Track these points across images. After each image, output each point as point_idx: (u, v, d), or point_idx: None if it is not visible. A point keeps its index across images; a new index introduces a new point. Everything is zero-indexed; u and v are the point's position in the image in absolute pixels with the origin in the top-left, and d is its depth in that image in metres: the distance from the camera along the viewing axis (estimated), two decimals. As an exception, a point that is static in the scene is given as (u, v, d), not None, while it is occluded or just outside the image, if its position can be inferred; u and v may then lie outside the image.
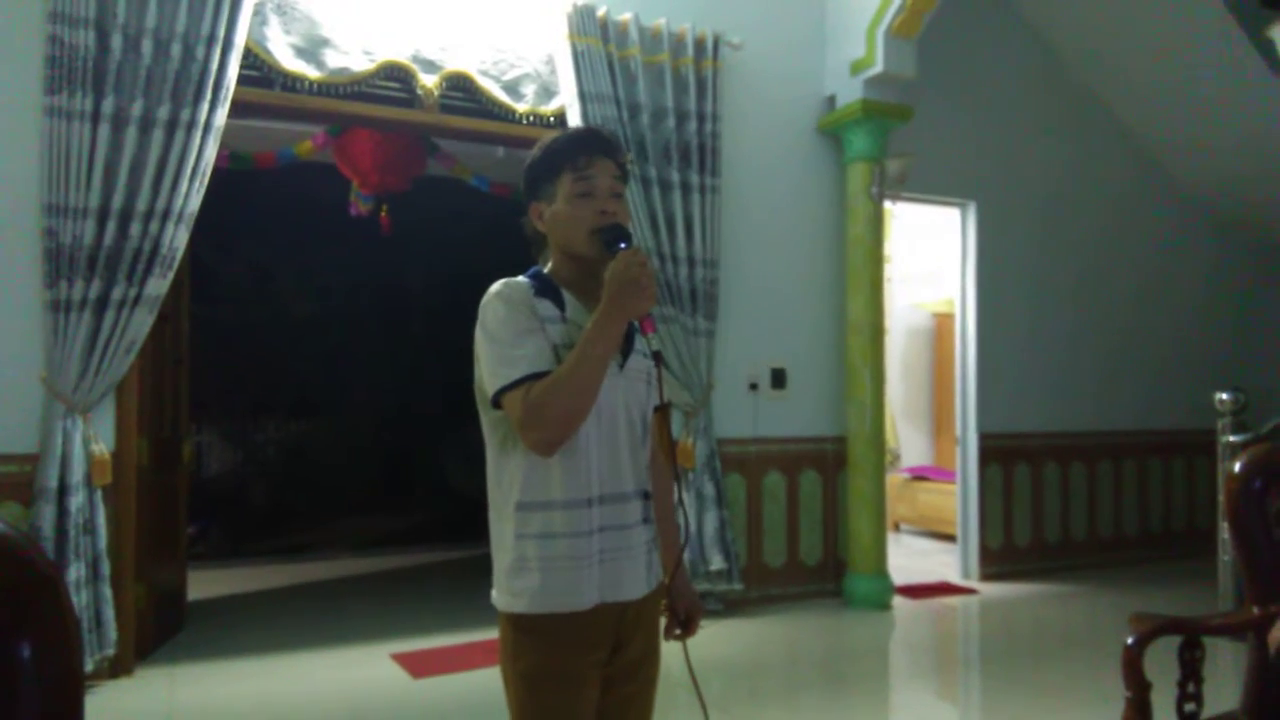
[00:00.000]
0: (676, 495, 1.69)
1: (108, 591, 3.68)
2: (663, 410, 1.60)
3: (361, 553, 7.10)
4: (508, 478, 1.52)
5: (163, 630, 4.37)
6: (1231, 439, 4.43)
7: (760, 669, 4.19)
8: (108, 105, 3.68)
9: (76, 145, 3.64)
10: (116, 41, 3.70)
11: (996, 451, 6.08)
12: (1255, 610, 2.15)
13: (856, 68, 5.22)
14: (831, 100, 5.45)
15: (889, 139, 5.35)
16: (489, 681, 3.70)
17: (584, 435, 1.49)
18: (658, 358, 1.54)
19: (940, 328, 8.22)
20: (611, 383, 1.51)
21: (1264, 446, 2.23)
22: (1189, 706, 1.96)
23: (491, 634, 4.32)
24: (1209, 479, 6.10)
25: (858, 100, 5.20)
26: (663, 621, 1.69)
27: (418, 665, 4.05)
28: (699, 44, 4.97)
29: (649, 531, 1.60)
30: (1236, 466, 2.20)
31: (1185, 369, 6.75)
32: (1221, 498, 3.69)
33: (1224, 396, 4.49)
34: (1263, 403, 5.18)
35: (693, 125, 4.92)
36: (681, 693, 1.66)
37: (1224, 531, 4.36)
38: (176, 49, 3.78)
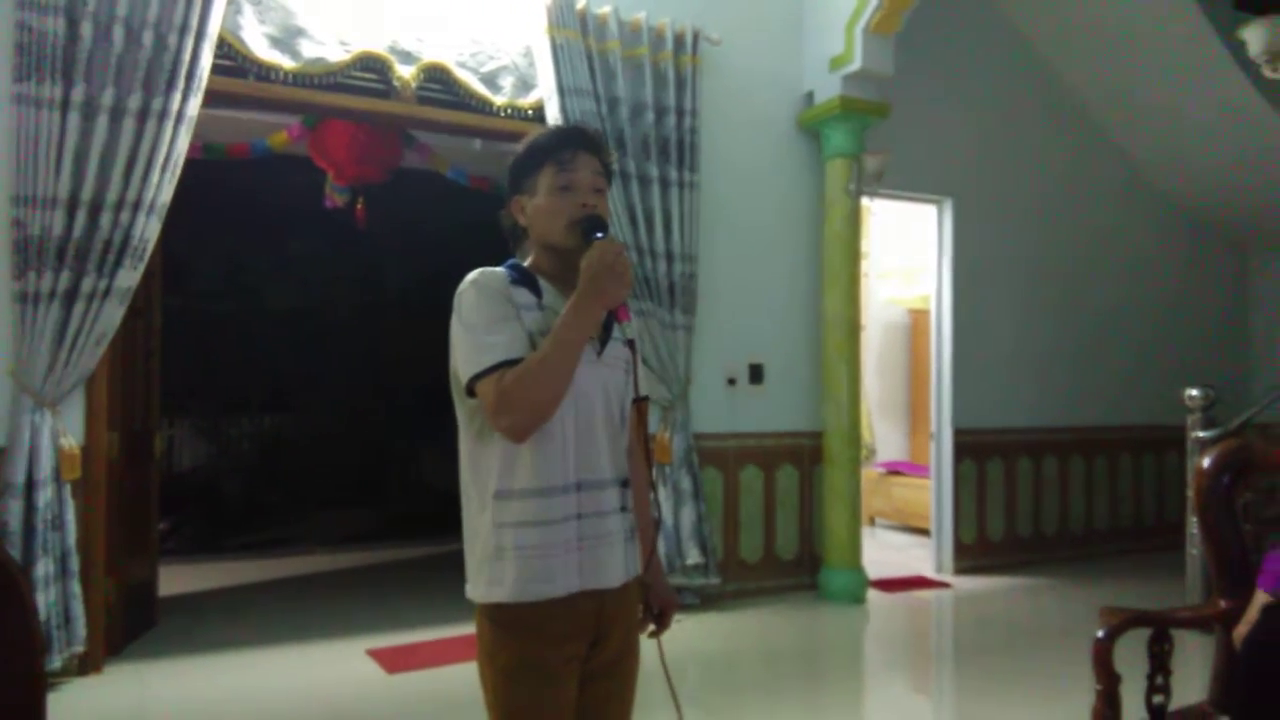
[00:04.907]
0: (650, 489, 1.69)
1: (77, 588, 3.63)
2: (640, 404, 1.60)
3: (336, 548, 7.05)
4: (485, 466, 1.52)
5: (133, 627, 4.32)
6: (1201, 434, 4.49)
7: (736, 662, 4.20)
8: (78, 93, 3.62)
9: (45, 134, 3.58)
10: (87, 29, 3.64)
11: (971, 446, 6.14)
12: (1223, 603, 2.19)
13: (835, 64, 5.23)
14: (810, 96, 5.46)
15: (867, 136, 5.37)
16: (465, 676, 3.69)
17: (560, 422, 1.49)
18: (632, 345, 1.54)
19: (916, 324, 8.28)
20: (589, 370, 1.51)
21: (1232, 442, 2.27)
22: (1157, 699, 1.99)
23: (468, 629, 4.30)
24: (1179, 474, 6.19)
25: (836, 96, 5.21)
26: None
27: (394, 661, 4.03)
28: (678, 39, 4.96)
29: (627, 520, 1.60)
30: (1205, 462, 2.24)
31: (1156, 365, 6.84)
32: (1191, 492, 3.75)
33: (1194, 393, 4.55)
34: (1231, 399, 5.26)
35: (672, 120, 4.91)
36: (658, 687, 1.66)
37: (1193, 525, 4.43)
38: (148, 37, 3.72)
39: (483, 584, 1.51)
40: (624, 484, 1.60)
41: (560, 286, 1.56)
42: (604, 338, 1.58)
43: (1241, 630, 2.04)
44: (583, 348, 1.47)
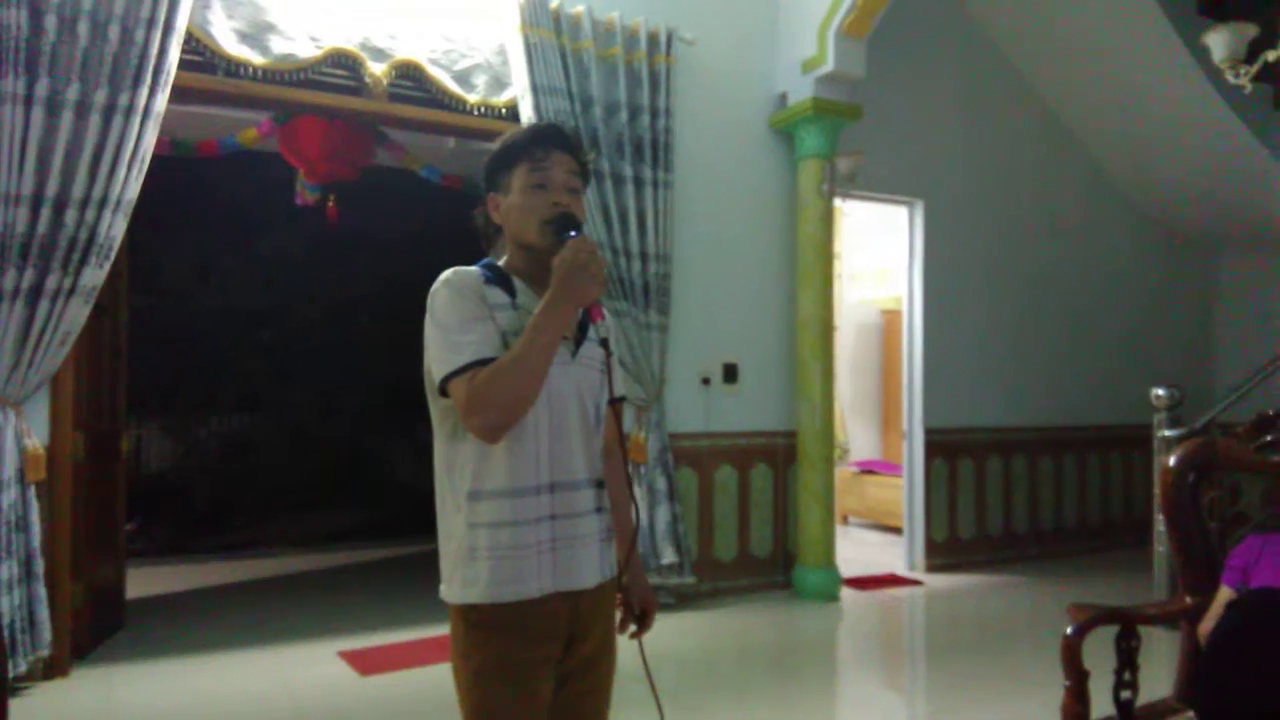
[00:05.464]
0: (628, 490, 1.69)
1: (42, 590, 3.56)
2: (615, 405, 1.59)
3: (307, 549, 6.98)
4: (459, 467, 1.51)
5: (100, 629, 4.25)
6: (1167, 434, 4.56)
7: (711, 661, 4.21)
8: (41, 88, 3.55)
9: (8, 129, 3.51)
10: (51, 22, 3.57)
11: (942, 446, 6.19)
12: (1188, 600, 2.22)
13: (808, 66, 5.26)
14: (783, 98, 5.48)
15: (839, 137, 5.40)
16: (438, 678, 3.67)
17: (533, 422, 1.48)
18: (605, 345, 1.54)
19: (889, 324, 8.34)
20: (563, 370, 1.51)
21: (1197, 441, 2.30)
22: (1125, 694, 2.01)
23: (441, 630, 4.27)
24: (1145, 472, 6.28)
25: (809, 98, 5.24)
26: (617, 616, 1.68)
27: (365, 663, 4.00)
28: (652, 38, 4.96)
29: (603, 520, 1.59)
30: (1171, 460, 2.27)
31: (1123, 366, 6.94)
32: (1157, 490, 3.81)
33: (1160, 392, 4.61)
34: (1197, 399, 5.34)
35: (645, 120, 4.91)
36: (635, 686, 1.66)
37: (1159, 523, 4.49)
38: (114, 31, 3.66)
39: (457, 585, 1.50)
40: (599, 485, 1.60)
41: (534, 286, 1.55)
42: (579, 338, 1.57)
43: (1206, 626, 2.07)
44: (555, 347, 1.45)
